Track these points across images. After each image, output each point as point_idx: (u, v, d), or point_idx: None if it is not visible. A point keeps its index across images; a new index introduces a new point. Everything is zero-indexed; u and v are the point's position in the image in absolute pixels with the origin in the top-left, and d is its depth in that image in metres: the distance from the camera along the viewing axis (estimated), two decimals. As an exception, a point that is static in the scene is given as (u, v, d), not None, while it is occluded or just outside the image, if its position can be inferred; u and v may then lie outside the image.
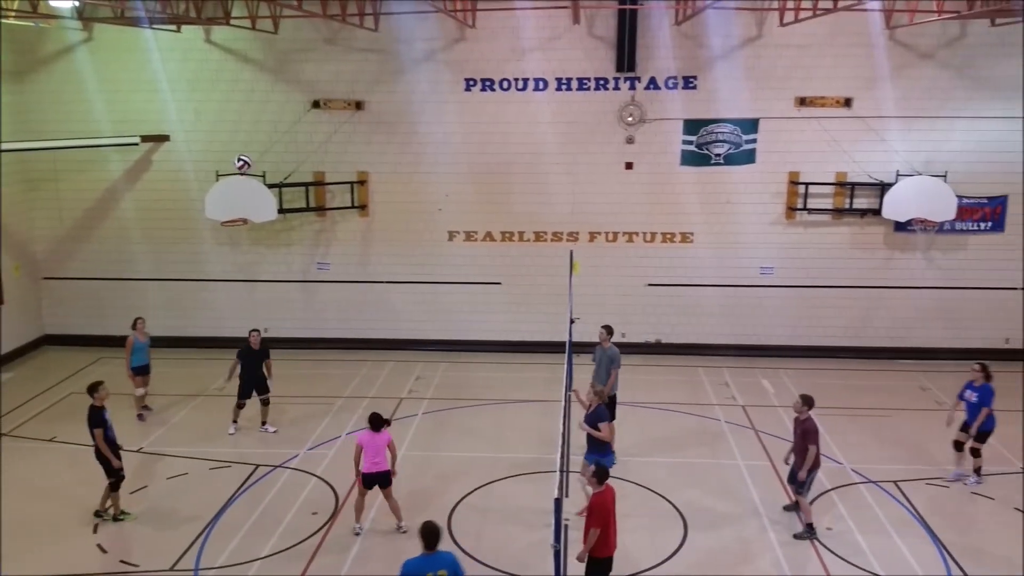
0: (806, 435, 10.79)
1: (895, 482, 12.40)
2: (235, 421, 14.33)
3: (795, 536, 10.96)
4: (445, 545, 10.72)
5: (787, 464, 11.37)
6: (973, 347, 17.36)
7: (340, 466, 13.02)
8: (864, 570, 10.30)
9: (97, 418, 11.10)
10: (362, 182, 18.00)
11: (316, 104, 17.71)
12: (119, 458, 11.31)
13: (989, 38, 16.55)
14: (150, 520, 11.44)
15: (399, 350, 18.35)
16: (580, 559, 8.79)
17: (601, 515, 8.59)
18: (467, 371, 17.51)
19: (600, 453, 10.97)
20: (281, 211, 17.28)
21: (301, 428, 14.44)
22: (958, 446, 12.45)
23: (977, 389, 12.19)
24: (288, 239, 18.36)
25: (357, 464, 10.83)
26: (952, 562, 10.43)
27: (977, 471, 12.36)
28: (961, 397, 12.39)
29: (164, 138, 18.09)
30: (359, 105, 17.67)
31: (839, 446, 13.73)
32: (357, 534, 11.05)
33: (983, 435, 12.18)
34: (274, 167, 17.49)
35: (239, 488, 12.31)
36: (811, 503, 11.25)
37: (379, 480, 10.87)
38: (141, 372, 14.86)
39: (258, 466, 13.01)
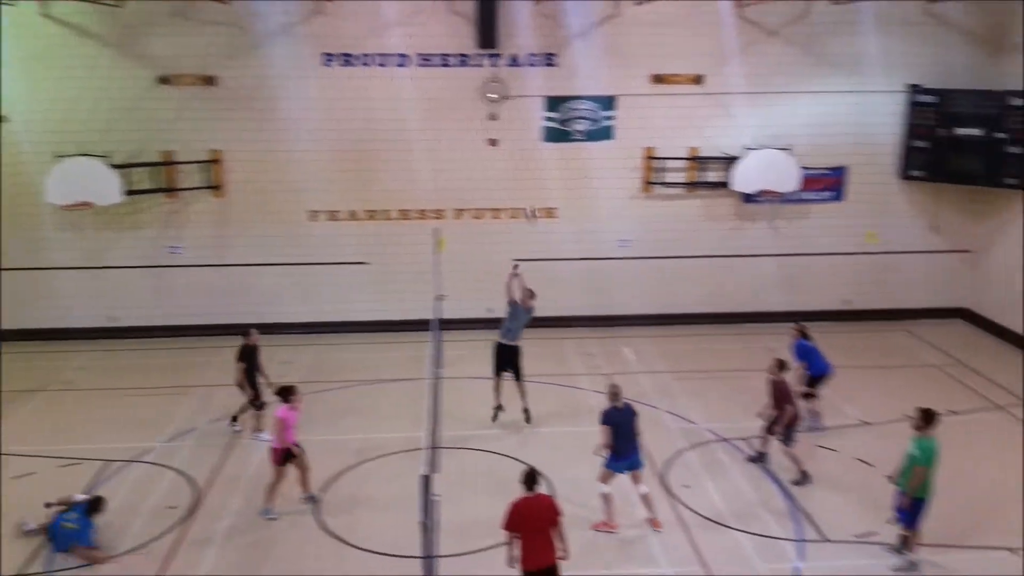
0: (783, 395, 11.68)
1: (745, 439, 13.06)
2: (261, 429, 13.29)
3: (793, 483, 11.76)
4: (316, 532, 10.74)
5: (760, 418, 12.23)
6: (816, 309, 18.42)
7: (199, 458, 12.64)
8: (721, 524, 10.86)
9: None
10: (216, 161, 17.31)
11: (163, 80, 16.87)
12: None
13: (830, 16, 17.41)
14: (-7, 524, 10.76)
15: (262, 335, 17.74)
16: (507, 564, 8.54)
17: (512, 521, 8.35)
18: (335, 353, 17.24)
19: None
20: (128, 193, 16.45)
21: (156, 420, 13.86)
22: (807, 396, 13.38)
23: (794, 347, 13.41)
24: (136, 222, 17.46)
25: (290, 439, 10.87)
26: (800, 511, 11.13)
27: (814, 415, 13.41)
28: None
29: (-3, 118, 16.83)
30: (210, 81, 16.95)
31: (694, 407, 14.41)
32: (274, 519, 10.95)
33: (812, 380, 13.19)
34: (119, 147, 16.55)
35: (91, 485, 11.71)
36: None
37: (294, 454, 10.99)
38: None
39: (110, 461, 12.42)
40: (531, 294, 13.71)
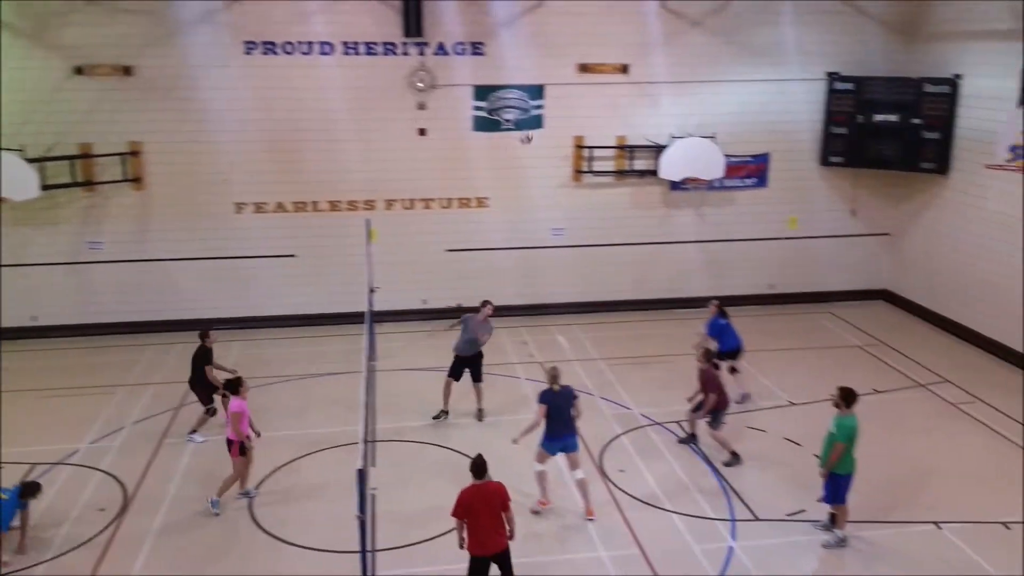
0: (707, 383, 11.95)
1: (678, 422, 13.31)
2: (196, 431, 13.01)
3: (724, 464, 12.05)
4: (251, 530, 10.58)
5: (689, 402, 12.54)
6: (742, 293, 18.87)
7: (127, 458, 12.33)
8: (656, 506, 11.06)
9: None
10: (135, 153, 16.80)
11: (79, 70, 16.28)
12: None
13: (751, 6, 17.76)
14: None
15: (187, 331, 17.25)
16: (459, 546, 8.65)
17: (460, 508, 8.44)
18: (264, 348, 16.93)
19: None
20: (45, 187, 15.85)
21: (81, 421, 13.45)
22: (732, 370, 13.95)
23: (709, 323, 14.01)
24: (54, 217, 16.84)
25: (246, 430, 10.87)
26: (732, 492, 11.41)
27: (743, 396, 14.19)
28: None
29: (-100, 111, 16.01)
30: (128, 70, 16.42)
31: (628, 391, 14.62)
32: (217, 513, 10.95)
33: (724, 355, 13.68)
34: (34, 140, 15.92)
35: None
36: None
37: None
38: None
39: (35, 464, 12.00)
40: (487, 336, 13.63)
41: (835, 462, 9.83)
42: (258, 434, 11.42)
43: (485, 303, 13.54)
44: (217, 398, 12.70)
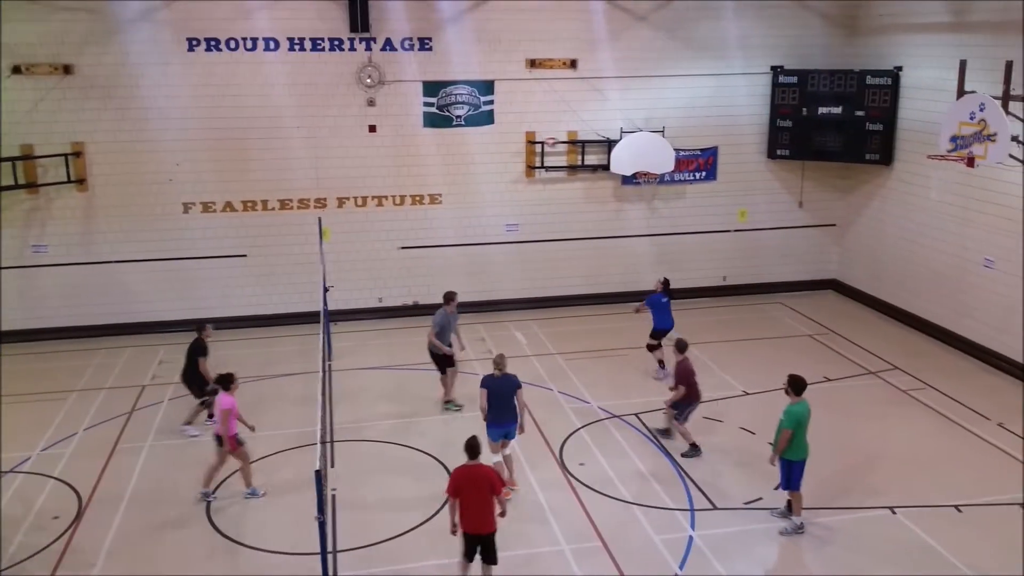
0: (679, 375, 12.15)
1: (636, 414, 13.45)
2: (190, 423, 13.00)
3: (683, 455, 12.20)
4: (209, 533, 10.41)
5: (671, 390, 12.50)
6: (696, 286, 19.07)
7: (80, 465, 12.05)
8: (617, 499, 11.14)
9: None
10: (78, 154, 16.39)
11: (17, 70, 15.82)
12: None
13: (695, 3, 17.93)
14: None
15: (137, 334, 17.06)
16: (451, 531, 8.85)
17: (453, 485, 8.66)
18: (216, 350, 16.41)
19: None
20: (-16, 190, 15.46)
21: (32, 428, 13.11)
22: (650, 348, 14.70)
23: (650, 296, 14.76)
24: (-5, 221, 16.40)
25: (233, 429, 10.90)
26: (690, 482, 11.54)
27: (660, 364, 14.78)
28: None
29: None
30: (68, 69, 16.01)
31: (585, 385, 14.68)
32: (263, 494, 11.10)
33: (655, 334, 14.50)
34: (-30, 141, 15.51)
35: (-40, 503, 11.01)
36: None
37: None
38: None
39: (-17, 474, 11.71)
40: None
41: (783, 448, 10.03)
42: (252, 428, 11.48)
43: (452, 295, 13.63)
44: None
